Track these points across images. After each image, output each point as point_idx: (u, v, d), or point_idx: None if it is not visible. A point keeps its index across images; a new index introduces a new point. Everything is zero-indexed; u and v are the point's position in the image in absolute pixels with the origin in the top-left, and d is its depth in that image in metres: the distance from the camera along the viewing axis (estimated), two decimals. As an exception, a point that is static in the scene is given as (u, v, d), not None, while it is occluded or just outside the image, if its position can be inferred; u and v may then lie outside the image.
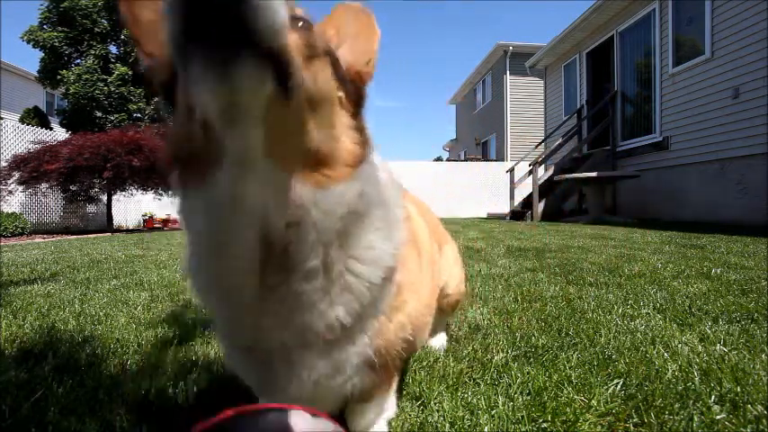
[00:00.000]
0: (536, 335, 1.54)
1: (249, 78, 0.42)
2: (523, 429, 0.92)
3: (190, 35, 0.38)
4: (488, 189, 16.47)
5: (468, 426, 0.95)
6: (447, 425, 0.95)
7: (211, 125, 0.46)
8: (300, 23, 0.51)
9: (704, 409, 0.97)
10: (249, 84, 0.42)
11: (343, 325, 0.63)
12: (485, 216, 13.96)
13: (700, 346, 1.37)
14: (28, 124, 12.58)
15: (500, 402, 1.02)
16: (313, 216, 0.54)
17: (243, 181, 0.49)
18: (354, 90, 0.63)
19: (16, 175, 8.69)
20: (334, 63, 0.58)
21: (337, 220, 0.56)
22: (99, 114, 14.53)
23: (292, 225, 0.54)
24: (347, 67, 0.64)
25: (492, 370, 1.23)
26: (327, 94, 0.55)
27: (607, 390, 1.08)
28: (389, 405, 0.93)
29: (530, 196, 9.83)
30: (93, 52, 14.64)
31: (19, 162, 8.69)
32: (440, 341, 1.44)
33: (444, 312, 1.32)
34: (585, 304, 1.98)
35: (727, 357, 1.27)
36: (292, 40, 0.46)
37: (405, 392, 1.12)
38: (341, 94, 0.59)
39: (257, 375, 0.71)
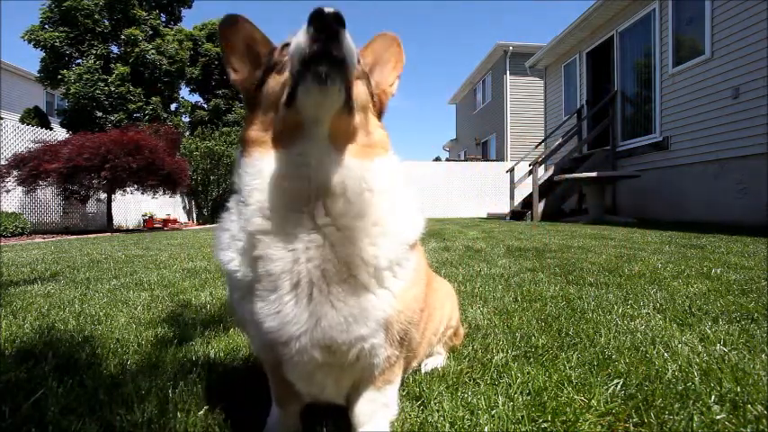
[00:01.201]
0: (536, 335, 1.54)
1: (334, 92, 0.68)
2: (523, 429, 0.92)
3: (313, 61, 0.66)
4: (488, 189, 16.47)
5: (468, 426, 0.95)
6: (447, 425, 0.95)
7: (300, 118, 0.73)
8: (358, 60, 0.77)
9: (704, 409, 0.97)
10: (333, 95, 0.69)
11: (376, 266, 0.78)
12: (485, 216, 13.96)
13: (700, 346, 1.37)
14: (28, 124, 12.59)
15: (500, 402, 1.02)
16: (357, 176, 0.75)
17: (312, 149, 0.74)
18: (379, 102, 0.87)
19: (15, 173, 8.69)
20: (368, 83, 0.82)
21: (376, 181, 0.77)
22: (99, 114, 14.53)
23: (345, 179, 0.75)
24: (375, 85, 0.87)
25: (492, 370, 1.23)
26: (365, 103, 0.80)
27: (607, 390, 1.08)
28: (393, 400, 0.92)
29: (530, 196, 9.83)
30: (93, 52, 14.64)
31: (18, 161, 8.69)
32: (437, 360, 1.34)
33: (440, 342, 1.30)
34: (585, 304, 1.98)
35: (727, 357, 1.27)
36: (355, 71, 0.72)
37: (405, 392, 1.12)
38: (370, 104, 0.82)
39: (278, 318, 0.76)
